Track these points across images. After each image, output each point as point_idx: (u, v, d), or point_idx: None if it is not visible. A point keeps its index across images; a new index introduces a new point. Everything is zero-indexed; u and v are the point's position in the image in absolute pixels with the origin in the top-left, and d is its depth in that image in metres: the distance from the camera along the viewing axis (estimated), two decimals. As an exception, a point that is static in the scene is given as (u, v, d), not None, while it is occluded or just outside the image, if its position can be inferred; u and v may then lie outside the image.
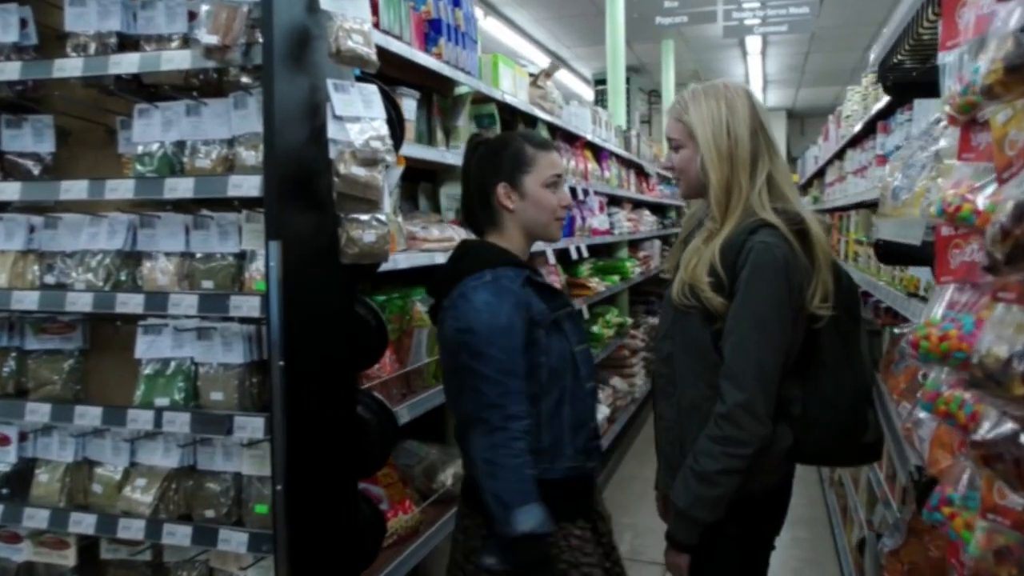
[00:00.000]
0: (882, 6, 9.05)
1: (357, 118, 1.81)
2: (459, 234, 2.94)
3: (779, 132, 15.55)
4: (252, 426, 1.74)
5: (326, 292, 1.90)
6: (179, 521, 1.89)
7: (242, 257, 1.88)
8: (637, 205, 7.54)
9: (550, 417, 1.85)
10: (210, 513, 1.90)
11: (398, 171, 2.45)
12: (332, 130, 1.77)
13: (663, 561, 1.95)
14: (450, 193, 3.38)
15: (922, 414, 1.36)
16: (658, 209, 8.71)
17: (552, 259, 4.32)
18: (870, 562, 2.09)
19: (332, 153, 1.77)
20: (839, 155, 5.11)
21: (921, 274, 2.49)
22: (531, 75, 4.29)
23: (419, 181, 3.39)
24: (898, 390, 1.80)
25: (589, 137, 5.31)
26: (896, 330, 2.01)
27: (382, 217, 1.88)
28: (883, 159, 3.33)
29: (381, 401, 2.09)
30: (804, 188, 9.03)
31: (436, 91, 3.23)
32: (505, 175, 1.89)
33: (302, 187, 1.81)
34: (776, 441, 1.77)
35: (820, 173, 6.98)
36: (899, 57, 1.86)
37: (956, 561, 1.20)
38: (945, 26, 1.16)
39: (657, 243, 8.21)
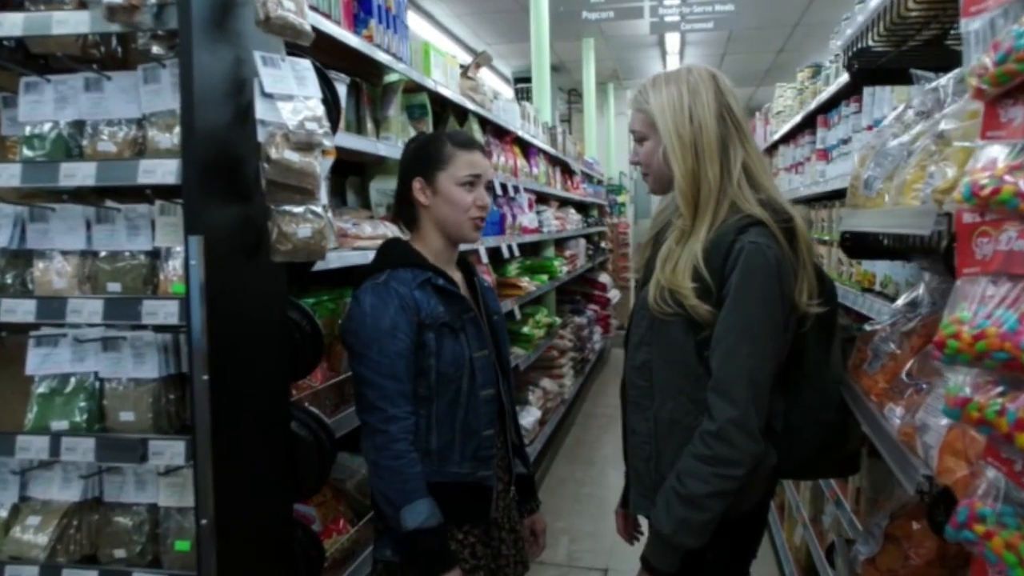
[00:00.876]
0: (795, 10, 9.25)
1: (289, 96, 1.58)
2: (392, 231, 2.76)
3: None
4: (171, 451, 1.50)
5: (255, 294, 1.67)
6: (82, 565, 1.63)
7: (156, 255, 1.62)
8: (563, 203, 7.47)
9: (441, 421, 1.88)
10: (120, 553, 1.64)
11: (328, 162, 2.23)
12: (261, 109, 1.54)
13: (602, 567, 1.84)
14: (380, 188, 3.16)
15: (943, 420, 1.24)
16: (581, 207, 8.67)
17: (485, 258, 4.15)
18: (842, 570, 2.00)
19: (261, 136, 1.54)
20: (768, 152, 5.12)
21: (877, 269, 2.44)
22: (461, 66, 4.11)
23: (347, 175, 3.15)
24: (876, 391, 1.70)
25: (519, 133, 5.16)
26: (867, 327, 1.92)
27: (318, 209, 1.67)
28: (824, 153, 3.30)
29: (318, 416, 1.87)
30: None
31: (364, 78, 3.01)
32: (421, 170, 1.94)
33: (226, 174, 1.57)
34: (764, 459, 1.65)
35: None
36: (872, 40, 1.77)
37: (984, 582, 1.09)
38: (969, -10, 1.05)
39: (582, 242, 8.18)
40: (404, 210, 2.03)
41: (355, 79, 2.90)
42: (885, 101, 2.34)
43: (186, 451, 1.49)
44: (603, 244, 10.45)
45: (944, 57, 1.86)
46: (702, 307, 1.60)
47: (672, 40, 10.18)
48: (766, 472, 1.70)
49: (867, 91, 2.60)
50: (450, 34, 10.77)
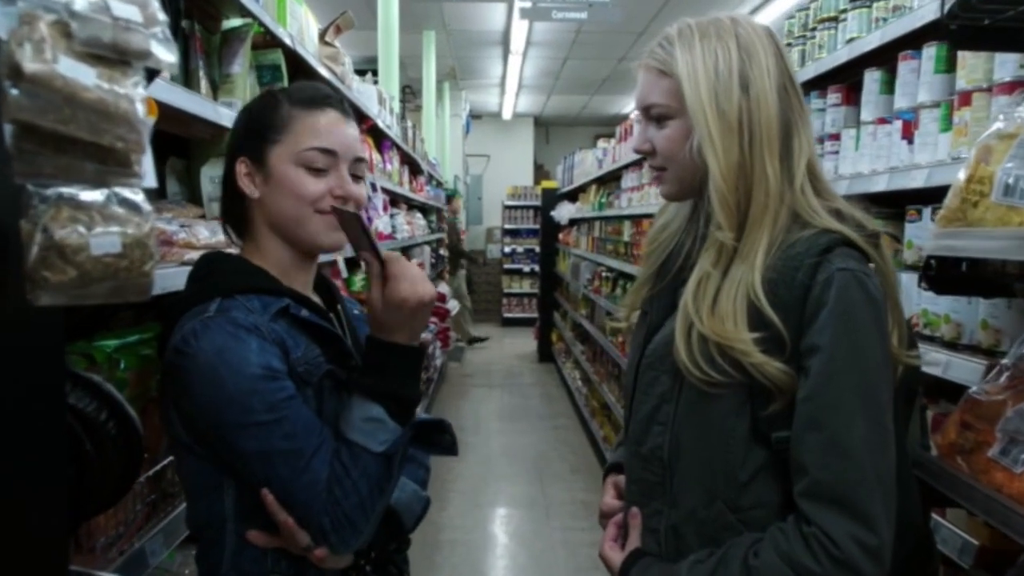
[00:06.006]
0: (643, 17, 9.04)
1: (75, -53, 0.72)
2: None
3: (528, 140, 15.42)
4: None
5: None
6: None
7: None
8: (410, 206, 6.74)
9: None
10: None
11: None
12: (3, -37, 0.67)
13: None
14: (216, 175, 2.24)
15: None
16: (424, 211, 7.97)
17: (345, 271, 3.31)
18: None
19: (2, 23, 0.68)
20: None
21: (909, 302, 1.90)
22: (320, 29, 3.26)
23: (166, 155, 2.21)
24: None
25: (377, 121, 4.34)
26: (975, 391, 1.34)
27: (136, 198, 0.81)
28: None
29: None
30: (575, 195, 8.74)
31: (197, 20, 2.10)
32: (246, 145, 1.30)
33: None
34: None
35: (606, 179, 6.61)
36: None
37: None
38: None
39: (427, 249, 7.48)
40: (231, 207, 1.36)
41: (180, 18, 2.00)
42: (923, 85, 1.80)
43: None
44: (442, 251, 9.79)
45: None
46: (772, 366, 1.08)
47: (517, 39, 9.65)
48: None
49: (869, 76, 2.08)
50: (276, 13, 9.63)
